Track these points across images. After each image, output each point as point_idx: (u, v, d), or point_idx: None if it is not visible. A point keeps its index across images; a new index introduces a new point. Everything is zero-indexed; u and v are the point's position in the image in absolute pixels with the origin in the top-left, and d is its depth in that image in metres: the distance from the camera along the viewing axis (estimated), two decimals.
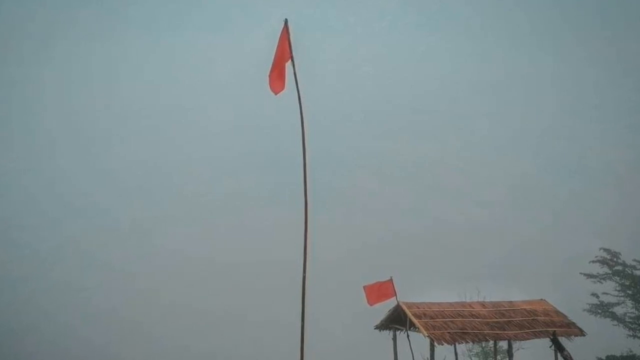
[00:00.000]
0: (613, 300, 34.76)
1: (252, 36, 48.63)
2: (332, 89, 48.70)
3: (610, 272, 34.95)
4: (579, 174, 48.18)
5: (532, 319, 21.74)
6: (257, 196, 47.88)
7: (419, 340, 20.68)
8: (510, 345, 22.37)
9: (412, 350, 21.65)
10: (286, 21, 14.64)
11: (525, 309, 22.33)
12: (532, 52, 52.79)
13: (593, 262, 35.42)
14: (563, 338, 21.15)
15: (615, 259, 35.13)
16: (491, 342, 24.99)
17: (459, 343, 20.82)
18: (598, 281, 35.07)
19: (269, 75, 14.63)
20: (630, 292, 34.35)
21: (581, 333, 21.70)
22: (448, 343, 20.00)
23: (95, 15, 51.98)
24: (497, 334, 20.92)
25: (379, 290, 21.23)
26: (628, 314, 34.51)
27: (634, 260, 35.02)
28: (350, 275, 33.75)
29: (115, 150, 49.54)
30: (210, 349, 39.35)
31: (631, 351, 33.35)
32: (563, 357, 20.42)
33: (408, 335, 21.52)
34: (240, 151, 48.65)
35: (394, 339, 22.32)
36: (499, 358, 26.65)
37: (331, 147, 44.68)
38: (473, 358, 32.08)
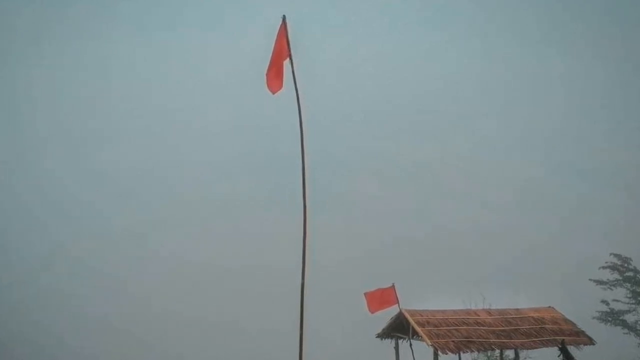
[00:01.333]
0: (624, 307, 34.34)
1: (249, 34, 48.13)
2: (331, 89, 48.19)
3: (620, 278, 34.60)
4: (587, 176, 47.59)
5: (540, 327, 21.52)
6: (254, 199, 47.50)
7: (422, 349, 20.60)
8: (517, 355, 22.54)
9: None
10: (284, 18, 14.11)
11: (532, 317, 22.13)
12: (539, 51, 52.25)
13: (603, 267, 35.06)
14: (572, 347, 20.83)
15: (626, 265, 34.75)
16: (497, 351, 24.51)
17: (464, 352, 20.61)
18: (608, 288, 34.73)
19: (266, 74, 14.19)
20: None
21: (590, 342, 21.47)
22: (452, 352, 19.86)
23: (85, 11, 51.51)
24: (503, 342, 20.82)
25: (380, 297, 21.09)
26: (639, 322, 34.02)
27: None
28: (350, 281, 33.71)
29: (107, 152, 48.90)
30: (206, 357, 38.85)
31: None
32: None
33: (411, 344, 21.50)
34: (237, 152, 48.25)
35: (396, 348, 22.21)
36: None
37: (330, 148, 44.14)
38: None
